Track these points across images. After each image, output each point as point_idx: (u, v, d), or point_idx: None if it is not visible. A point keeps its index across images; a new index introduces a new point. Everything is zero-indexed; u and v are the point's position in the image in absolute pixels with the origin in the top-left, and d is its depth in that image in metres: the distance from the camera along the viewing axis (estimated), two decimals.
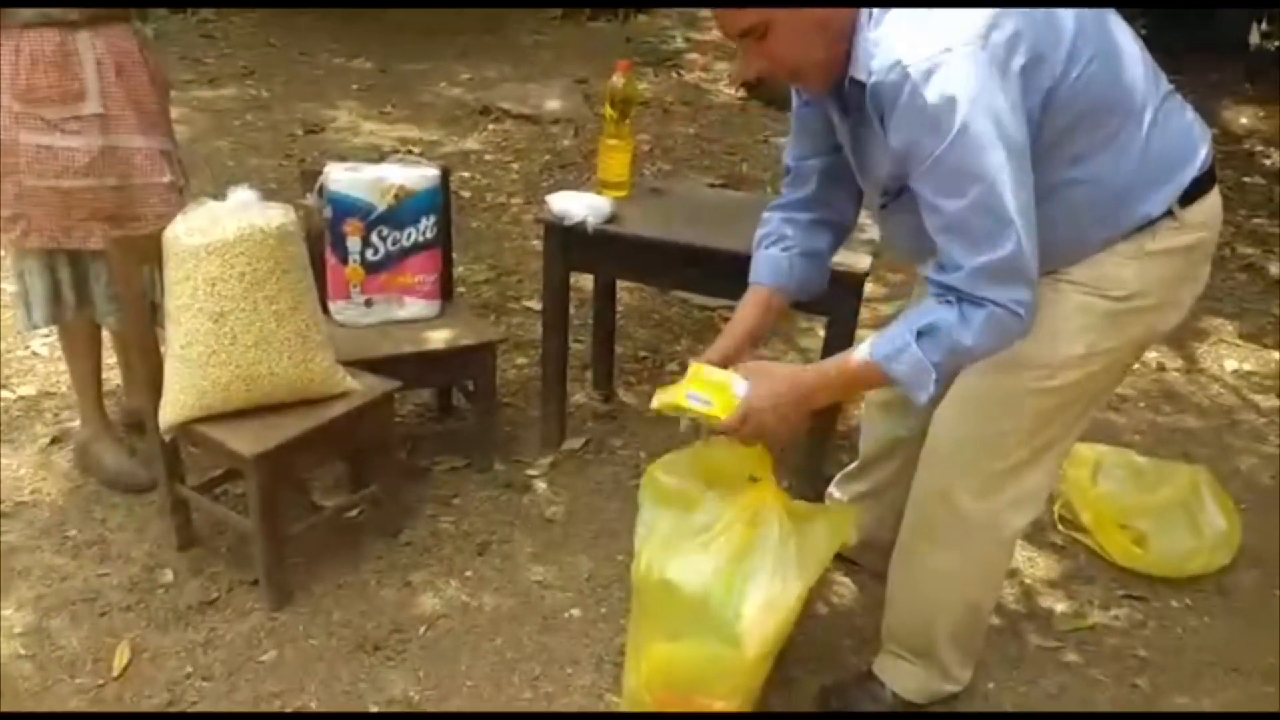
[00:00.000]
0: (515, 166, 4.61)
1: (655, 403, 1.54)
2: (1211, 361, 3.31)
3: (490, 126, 5.12)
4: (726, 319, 3.25)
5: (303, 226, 2.01)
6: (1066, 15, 1.32)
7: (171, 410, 1.92)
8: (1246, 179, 5.02)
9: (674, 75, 6.15)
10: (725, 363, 1.56)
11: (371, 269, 2.30)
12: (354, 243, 2.28)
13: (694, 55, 6.48)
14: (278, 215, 1.88)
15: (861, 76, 1.31)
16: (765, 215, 1.71)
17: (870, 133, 1.38)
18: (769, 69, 1.38)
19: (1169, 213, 1.42)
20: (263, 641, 1.93)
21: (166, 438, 1.97)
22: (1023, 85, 1.26)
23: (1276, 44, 6.95)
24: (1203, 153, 1.45)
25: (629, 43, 6.69)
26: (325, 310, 2.25)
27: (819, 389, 1.46)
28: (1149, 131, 1.39)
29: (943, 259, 1.33)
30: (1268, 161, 5.25)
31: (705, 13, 7.52)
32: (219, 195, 1.92)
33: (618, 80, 2.32)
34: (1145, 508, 2.27)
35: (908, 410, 1.80)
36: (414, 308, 2.36)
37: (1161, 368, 3.23)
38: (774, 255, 1.66)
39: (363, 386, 2.03)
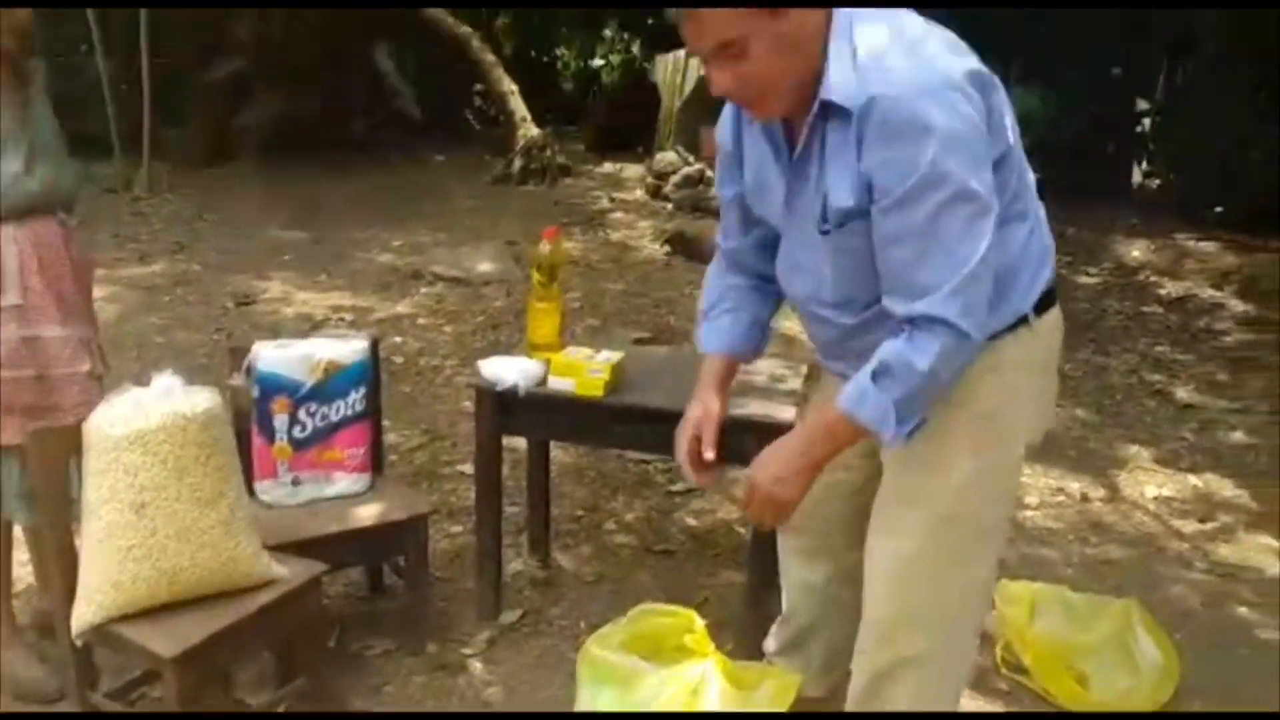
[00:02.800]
0: (448, 329, 4.67)
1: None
2: (1132, 489, 3.41)
3: (423, 290, 5.21)
4: (664, 470, 3.30)
5: (229, 407, 2.01)
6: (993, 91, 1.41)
7: (87, 610, 1.84)
8: (1145, 309, 5.31)
9: (600, 234, 6.38)
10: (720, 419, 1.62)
11: (299, 446, 2.28)
12: (281, 420, 2.27)
13: (619, 214, 6.74)
14: (203, 400, 1.88)
15: (836, 98, 1.34)
16: (710, 282, 1.75)
17: (823, 159, 1.40)
18: (737, 88, 1.38)
19: (1024, 320, 1.49)
20: None
21: (79, 641, 1.88)
22: (992, 135, 1.35)
23: (1157, 182, 7.49)
24: (1052, 265, 1.55)
25: (557, 205, 6.95)
26: (251, 491, 2.21)
27: (804, 451, 1.50)
28: (1029, 228, 1.48)
29: (899, 290, 1.38)
30: (1162, 291, 5.57)
31: (629, 174, 7.90)
32: (143, 380, 1.91)
33: (544, 247, 2.41)
34: (1083, 646, 2.29)
35: (817, 556, 1.82)
36: (343, 483, 2.33)
37: (1085, 498, 3.31)
38: (725, 324, 1.70)
39: (289, 573, 1.98)
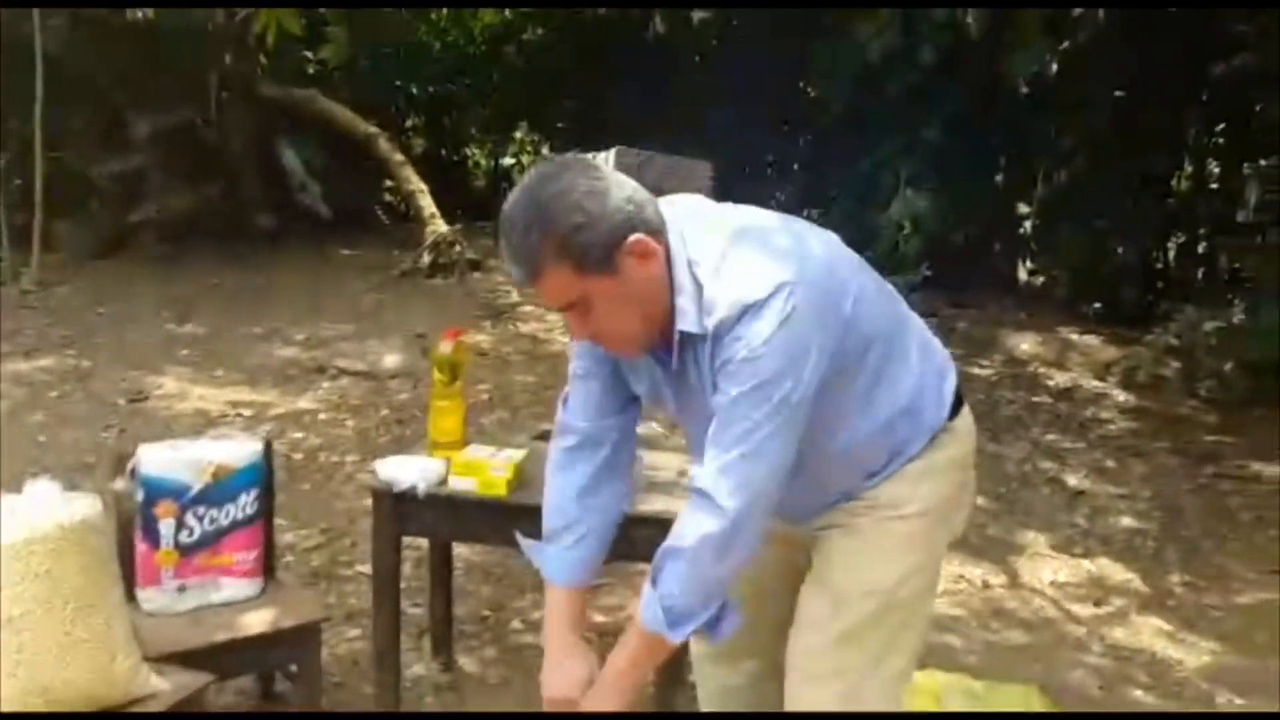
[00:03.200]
0: (350, 424, 4.57)
1: None
2: (1030, 575, 3.50)
3: (325, 385, 5.10)
4: None
5: (111, 513, 1.92)
6: (844, 262, 1.50)
7: None
8: (1035, 399, 5.53)
9: (511, 327, 6.38)
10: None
11: (186, 551, 2.18)
12: (167, 525, 2.17)
13: (529, 307, 6.77)
14: (81, 507, 1.79)
15: (689, 329, 1.41)
16: (559, 494, 1.70)
17: (699, 372, 1.46)
18: (595, 337, 1.47)
19: (945, 426, 1.57)
20: None
21: None
22: (832, 325, 1.41)
23: (1041, 279, 7.91)
24: (953, 370, 1.63)
25: (468, 298, 6.94)
26: (131, 597, 2.10)
27: (617, 678, 1.53)
28: (918, 348, 1.57)
29: (705, 451, 1.42)
30: (1051, 382, 5.83)
31: None
32: (20, 484, 1.82)
33: (445, 346, 2.40)
34: None
35: (742, 656, 1.79)
36: (232, 589, 2.23)
37: (986, 585, 3.39)
38: (578, 555, 1.67)
39: (171, 685, 1.87)
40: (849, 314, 1.45)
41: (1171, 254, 7.83)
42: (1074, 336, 6.55)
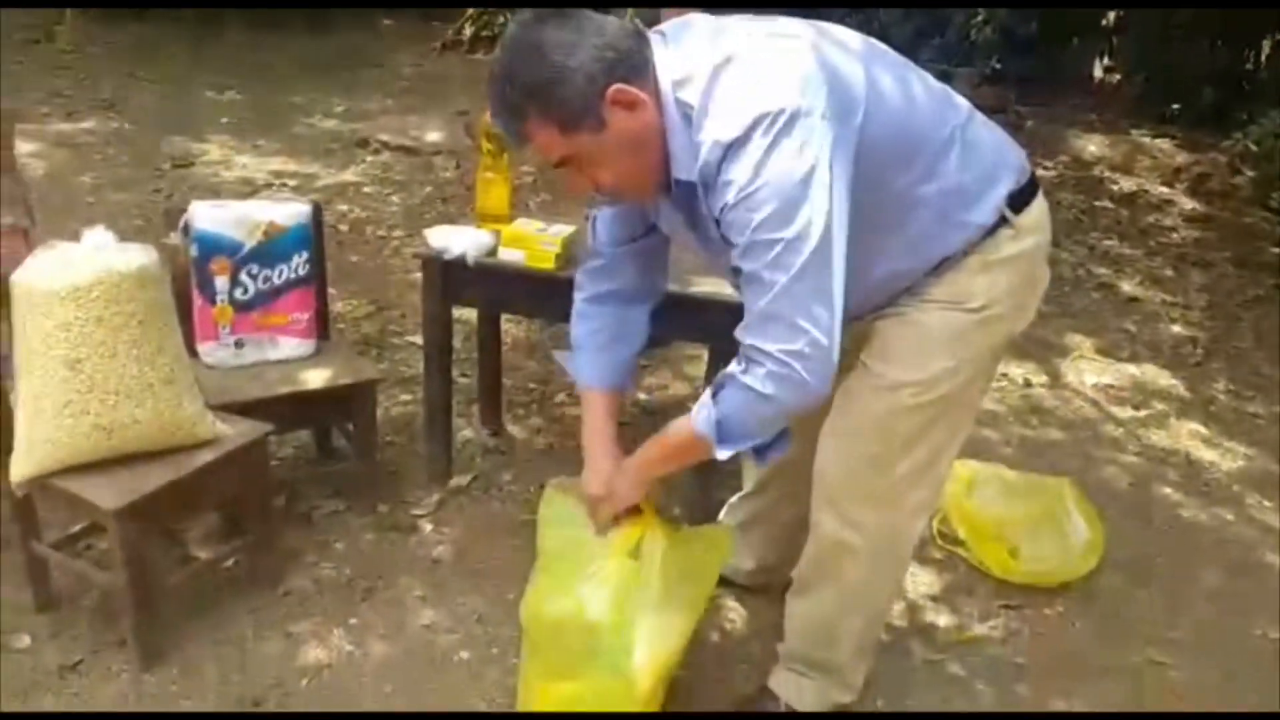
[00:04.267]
0: (395, 199, 4.54)
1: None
2: (1073, 376, 3.49)
3: (369, 159, 5.03)
4: None
5: (166, 266, 1.93)
6: (856, 73, 1.38)
7: (24, 463, 1.79)
8: (1097, 203, 5.34)
9: None
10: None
11: (241, 308, 2.22)
12: (222, 282, 2.19)
13: None
14: (137, 257, 1.80)
15: (685, 176, 1.35)
16: (582, 307, 1.71)
17: (711, 225, 1.39)
18: (595, 189, 1.41)
19: (1004, 221, 1.51)
20: (131, 706, 1.82)
21: (19, 493, 1.84)
22: (836, 146, 1.30)
23: (1118, 77, 7.45)
24: (1019, 163, 1.56)
25: None
26: (193, 353, 2.16)
27: (644, 466, 1.58)
28: (958, 155, 1.47)
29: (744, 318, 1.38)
30: (1115, 187, 5.60)
31: None
32: (72, 240, 1.82)
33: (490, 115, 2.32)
34: (1016, 520, 2.37)
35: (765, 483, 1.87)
36: (288, 347, 2.28)
37: (1028, 383, 3.39)
38: (608, 357, 1.69)
39: (234, 432, 1.95)
40: (858, 125, 1.34)
41: (1264, 55, 7.28)
42: (1146, 139, 6.24)
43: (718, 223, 1.35)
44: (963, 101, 1.54)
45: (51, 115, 5.23)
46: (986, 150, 1.52)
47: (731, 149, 1.28)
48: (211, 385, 2.06)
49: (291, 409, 2.18)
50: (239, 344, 2.24)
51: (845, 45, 1.44)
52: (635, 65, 1.32)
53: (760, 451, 1.48)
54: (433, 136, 5.29)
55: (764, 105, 1.27)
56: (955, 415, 1.62)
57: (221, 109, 5.66)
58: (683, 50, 1.37)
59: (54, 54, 6.45)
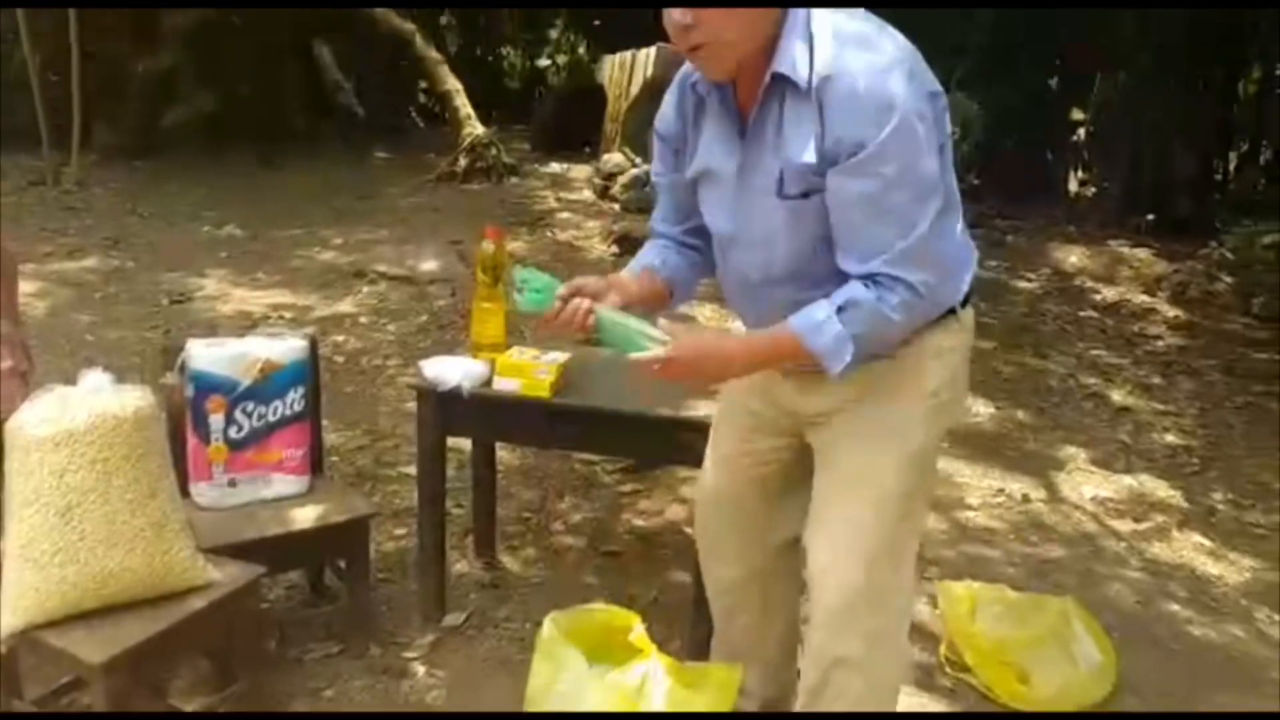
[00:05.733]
0: (391, 328, 4.59)
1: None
2: (1070, 490, 3.47)
3: (365, 289, 5.11)
4: (610, 472, 3.28)
5: (162, 406, 1.94)
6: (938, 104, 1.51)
7: (11, 617, 1.76)
8: (1082, 313, 5.43)
9: (548, 234, 6.33)
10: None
11: (236, 447, 2.22)
12: (217, 420, 2.20)
13: (565, 214, 6.70)
14: (133, 399, 1.81)
15: (788, 73, 1.44)
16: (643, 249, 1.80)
17: (780, 128, 1.48)
18: (693, 44, 1.45)
19: (953, 312, 1.60)
20: None
21: (4, 649, 1.80)
22: (935, 123, 1.47)
23: (1093, 190, 7.69)
24: (974, 266, 1.65)
25: (503, 204, 6.88)
26: (185, 493, 2.14)
27: (739, 355, 1.56)
28: (961, 227, 1.61)
29: (856, 249, 1.47)
30: (1098, 297, 5.70)
31: (576, 174, 7.87)
32: (71, 378, 1.84)
33: (487, 245, 2.37)
34: (1022, 643, 2.32)
35: (744, 551, 1.88)
36: (281, 485, 2.27)
37: (1026, 499, 3.37)
38: (654, 252, 1.76)
39: (225, 576, 1.92)
40: (943, 143, 1.50)
41: (1232, 164, 7.55)
42: (1124, 250, 6.39)
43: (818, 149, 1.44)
44: None
45: (54, 254, 5.34)
46: (967, 239, 1.63)
47: (874, 96, 1.40)
48: (204, 527, 2.04)
49: (284, 549, 2.15)
50: (232, 483, 2.23)
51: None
52: None
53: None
54: (428, 266, 5.39)
55: (907, 65, 1.45)
56: (917, 510, 1.69)
57: (220, 244, 5.79)
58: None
59: (58, 195, 6.63)
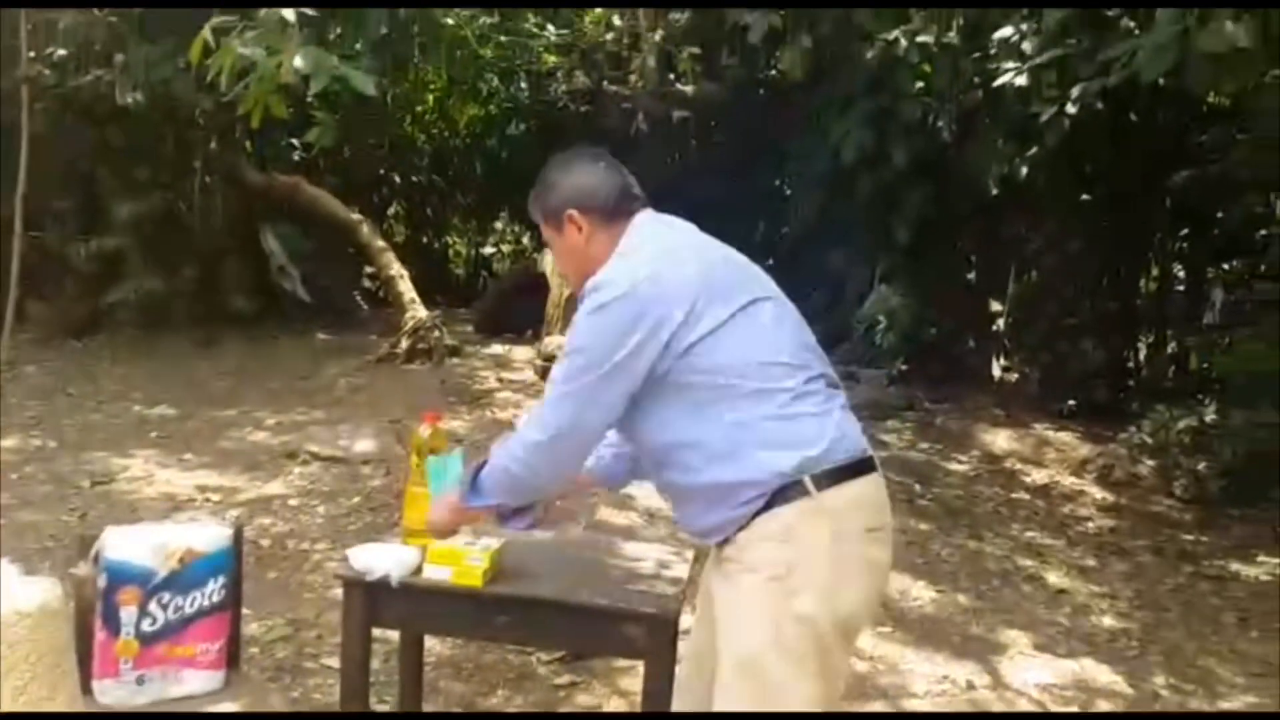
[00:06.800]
0: (321, 510, 4.47)
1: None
2: (1014, 676, 3.43)
3: (297, 470, 5.01)
4: (546, 662, 3.15)
5: (71, 599, 1.84)
6: (720, 307, 1.73)
7: None
8: (1013, 495, 5.53)
9: (488, 413, 6.33)
10: None
11: (147, 641, 2.08)
12: (129, 613, 2.07)
13: (506, 393, 6.74)
14: (39, 592, 1.71)
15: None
16: None
17: None
18: (559, 268, 1.99)
19: (806, 492, 1.66)
20: None
21: None
22: (644, 335, 1.71)
23: (1015, 375, 8.01)
24: (837, 446, 1.71)
25: (444, 384, 6.90)
26: (88, 690, 2.00)
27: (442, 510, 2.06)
28: (769, 410, 1.71)
29: None
30: (1028, 479, 5.83)
31: (518, 355, 7.98)
32: None
33: (424, 430, 2.36)
34: None
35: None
36: (193, 681, 2.12)
37: (970, 685, 3.31)
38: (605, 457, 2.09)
39: None
40: (682, 339, 1.71)
41: (1142, 353, 7.96)
42: (1049, 433, 6.60)
43: None
44: (810, 381, 1.78)
45: None
46: (802, 423, 1.72)
47: (589, 293, 1.78)
48: None
49: None
50: (140, 680, 2.08)
51: (742, 281, 1.84)
52: (592, 208, 1.88)
53: (504, 519, 1.99)
54: (363, 446, 5.33)
55: (624, 279, 1.75)
56: (784, 684, 1.68)
57: (151, 424, 5.67)
58: (664, 228, 1.90)
59: None
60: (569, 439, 1.79)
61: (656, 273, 1.75)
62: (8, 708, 1.63)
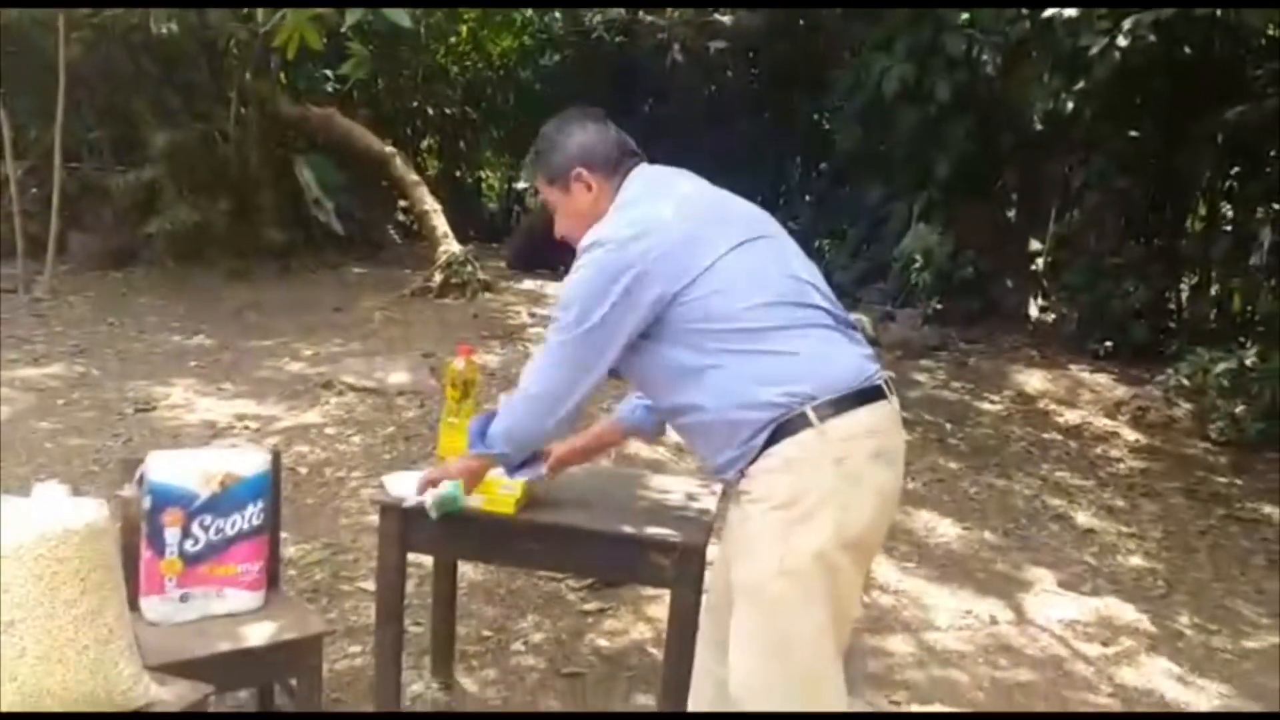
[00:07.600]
0: (356, 439, 4.56)
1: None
2: (1038, 612, 3.46)
3: (333, 400, 5.09)
4: (575, 589, 3.23)
5: (117, 519, 1.90)
6: (705, 254, 1.75)
7: None
8: (1045, 435, 5.50)
9: (520, 348, 6.38)
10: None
11: (190, 560, 2.17)
12: (173, 534, 2.15)
13: (539, 329, 6.77)
14: (86, 512, 1.77)
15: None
16: None
17: None
18: (559, 230, 2.00)
19: (809, 424, 1.69)
20: None
21: None
22: (630, 290, 1.74)
23: (1052, 316, 7.90)
24: (840, 376, 1.73)
25: (476, 318, 6.94)
26: (135, 607, 2.08)
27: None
28: (764, 346, 1.74)
29: None
30: (1061, 419, 5.79)
31: (549, 290, 7.99)
32: (27, 487, 1.81)
33: (459, 362, 2.39)
34: None
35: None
36: (235, 600, 2.21)
37: (993, 620, 3.35)
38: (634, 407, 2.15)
39: (170, 695, 1.84)
40: (671, 288, 1.74)
41: (1184, 295, 7.81)
42: (1084, 374, 6.53)
43: None
44: (820, 314, 1.80)
45: (18, 361, 5.30)
46: (805, 359, 1.74)
47: (582, 250, 1.82)
48: (151, 643, 1.98)
49: (234, 667, 2.08)
50: (184, 598, 2.17)
51: (743, 227, 1.84)
52: (598, 165, 1.90)
53: (511, 469, 2.03)
54: (397, 378, 5.40)
55: (613, 235, 1.78)
56: (800, 610, 1.72)
57: (190, 354, 5.77)
58: (655, 178, 1.91)
59: (30, 303, 6.62)
60: (563, 391, 1.84)
61: (645, 227, 1.78)
62: (60, 621, 1.71)
